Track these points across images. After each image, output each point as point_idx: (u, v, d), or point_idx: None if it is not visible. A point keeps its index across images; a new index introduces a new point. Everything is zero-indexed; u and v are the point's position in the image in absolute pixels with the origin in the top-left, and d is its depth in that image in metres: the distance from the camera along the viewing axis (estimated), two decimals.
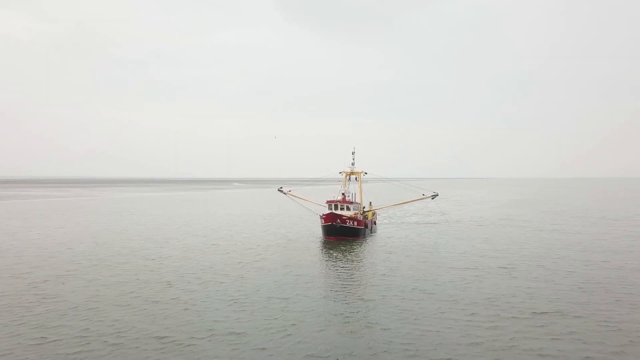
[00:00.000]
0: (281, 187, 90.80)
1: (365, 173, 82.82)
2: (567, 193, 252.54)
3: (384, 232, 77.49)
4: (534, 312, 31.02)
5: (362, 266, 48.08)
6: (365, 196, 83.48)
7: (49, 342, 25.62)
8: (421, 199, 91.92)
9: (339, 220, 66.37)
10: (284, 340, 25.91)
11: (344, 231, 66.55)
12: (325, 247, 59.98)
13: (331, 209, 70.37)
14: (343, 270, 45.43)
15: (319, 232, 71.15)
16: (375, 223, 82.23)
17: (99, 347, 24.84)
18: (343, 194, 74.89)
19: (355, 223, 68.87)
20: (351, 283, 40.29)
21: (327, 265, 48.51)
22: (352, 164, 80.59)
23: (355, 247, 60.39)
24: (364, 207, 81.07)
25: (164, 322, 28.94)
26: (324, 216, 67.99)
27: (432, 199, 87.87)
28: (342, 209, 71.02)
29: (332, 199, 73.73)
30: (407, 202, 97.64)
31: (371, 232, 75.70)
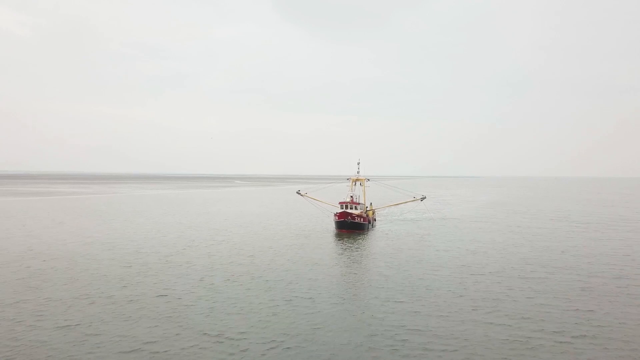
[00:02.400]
0: (299, 190, 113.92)
1: (368, 179, 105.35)
2: (546, 195, 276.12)
3: (382, 227, 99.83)
4: (490, 272, 53.62)
5: (368, 251, 70.61)
6: (365, 197, 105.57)
7: (206, 282, 47.97)
8: (412, 200, 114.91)
9: (349, 217, 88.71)
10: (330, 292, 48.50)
11: (353, 226, 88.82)
12: (339, 238, 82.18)
13: (343, 208, 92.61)
14: (355, 254, 68.12)
15: (332, 226, 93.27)
16: (375, 220, 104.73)
17: (232, 283, 47.25)
18: (351, 196, 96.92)
19: (362, 219, 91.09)
20: (361, 261, 63.12)
21: (344, 250, 71.12)
22: (358, 171, 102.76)
23: (361, 237, 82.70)
24: (366, 207, 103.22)
25: (263, 274, 51.32)
26: (337, 214, 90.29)
27: (421, 200, 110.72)
28: (351, 208, 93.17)
29: (343, 200, 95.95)
30: (401, 203, 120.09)
31: (372, 227, 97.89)
